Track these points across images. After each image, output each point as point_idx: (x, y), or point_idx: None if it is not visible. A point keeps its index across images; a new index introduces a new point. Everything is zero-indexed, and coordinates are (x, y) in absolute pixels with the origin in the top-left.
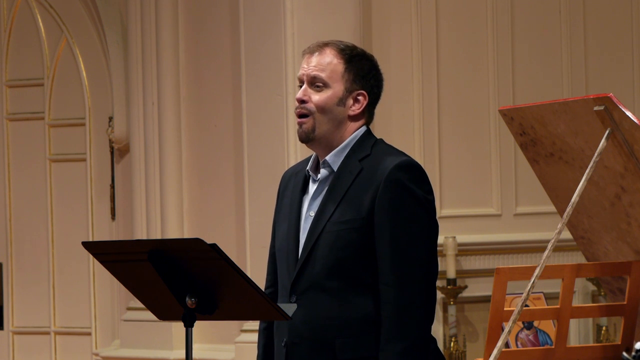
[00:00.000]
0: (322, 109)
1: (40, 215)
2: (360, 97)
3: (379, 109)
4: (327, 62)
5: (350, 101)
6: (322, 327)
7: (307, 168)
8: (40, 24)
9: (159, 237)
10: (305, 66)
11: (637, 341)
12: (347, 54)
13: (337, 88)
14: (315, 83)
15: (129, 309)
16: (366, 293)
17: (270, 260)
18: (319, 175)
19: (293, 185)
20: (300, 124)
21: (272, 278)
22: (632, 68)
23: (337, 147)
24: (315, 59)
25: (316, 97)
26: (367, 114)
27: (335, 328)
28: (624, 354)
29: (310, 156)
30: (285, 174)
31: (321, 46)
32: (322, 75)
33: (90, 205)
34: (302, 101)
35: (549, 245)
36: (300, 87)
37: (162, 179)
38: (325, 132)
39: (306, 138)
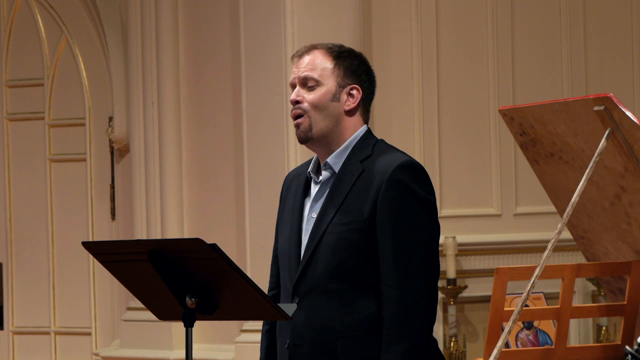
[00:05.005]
0: (316, 106)
1: (40, 215)
2: (354, 92)
3: (379, 109)
4: (316, 62)
5: (345, 96)
6: (324, 329)
7: (309, 170)
8: (40, 24)
9: (159, 237)
10: (296, 70)
11: (637, 338)
12: (335, 52)
13: (330, 84)
14: (307, 84)
15: (129, 309)
16: (368, 294)
17: (273, 263)
18: (321, 177)
19: (295, 188)
20: (297, 125)
21: (275, 280)
22: (632, 68)
23: (338, 146)
24: (303, 62)
25: (310, 96)
26: (363, 110)
27: (337, 330)
28: (627, 347)
29: (312, 158)
30: (288, 176)
31: (309, 49)
32: (313, 74)
33: (90, 205)
34: (296, 102)
35: (549, 245)
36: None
37: (162, 179)
38: (323, 130)
39: (305, 137)
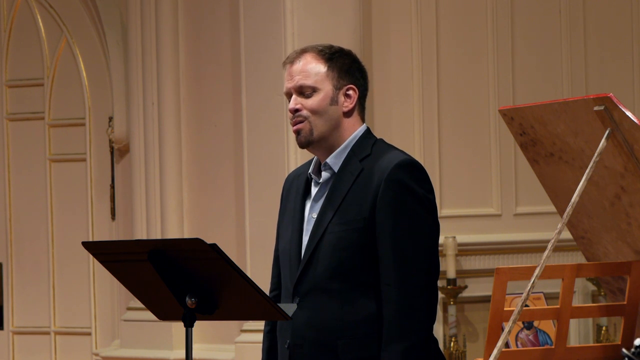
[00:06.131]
0: (316, 112)
1: (40, 215)
2: (350, 92)
3: (379, 109)
4: (308, 68)
5: (342, 98)
6: (324, 328)
7: (309, 171)
8: (40, 24)
9: (159, 237)
10: (289, 78)
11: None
12: (326, 54)
13: (326, 88)
14: (303, 92)
15: (129, 309)
16: (368, 293)
17: (274, 264)
18: (321, 178)
19: (295, 189)
20: (297, 132)
21: (276, 281)
22: (632, 68)
23: (338, 147)
24: (296, 69)
25: (308, 103)
26: (361, 108)
27: (337, 329)
28: (624, 350)
29: (312, 159)
30: (288, 177)
31: (299, 54)
32: (308, 81)
33: (90, 205)
34: (295, 110)
35: (549, 245)
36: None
37: (162, 179)
38: (324, 133)
39: (306, 142)
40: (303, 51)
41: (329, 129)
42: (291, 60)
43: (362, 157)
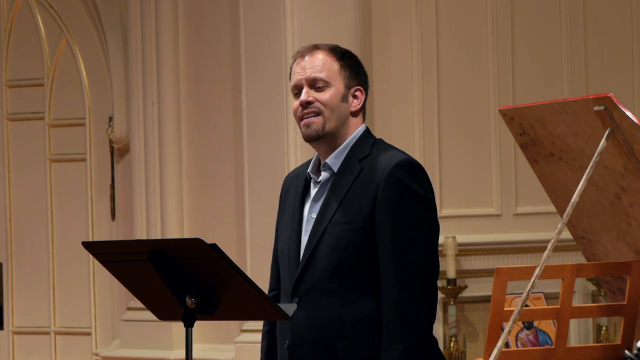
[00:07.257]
0: (329, 106)
1: (40, 215)
2: (357, 93)
3: (379, 109)
4: (322, 63)
5: (351, 97)
6: (324, 328)
7: (308, 171)
8: (40, 24)
9: (159, 237)
10: (301, 71)
11: (637, 341)
12: (337, 52)
13: (339, 85)
14: (316, 85)
15: (129, 309)
16: (368, 293)
17: (273, 264)
18: (320, 178)
19: (294, 188)
20: (307, 124)
21: (275, 281)
22: (632, 68)
23: (339, 146)
24: (308, 63)
25: (322, 96)
26: (364, 110)
27: (337, 329)
28: (626, 352)
29: (311, 159)
30: (287, 177)
31: (311, 49)
32: (321, 75)
33: (90, 205)
34: (307, 103)
35: (549, 245)
36: (297, 94)
37: (162, 179)
38: (333, 129)
39: (316, 136)
40: (315, 47)
41: (337, 126)
42: (302, 54)
43: (361, 157)
